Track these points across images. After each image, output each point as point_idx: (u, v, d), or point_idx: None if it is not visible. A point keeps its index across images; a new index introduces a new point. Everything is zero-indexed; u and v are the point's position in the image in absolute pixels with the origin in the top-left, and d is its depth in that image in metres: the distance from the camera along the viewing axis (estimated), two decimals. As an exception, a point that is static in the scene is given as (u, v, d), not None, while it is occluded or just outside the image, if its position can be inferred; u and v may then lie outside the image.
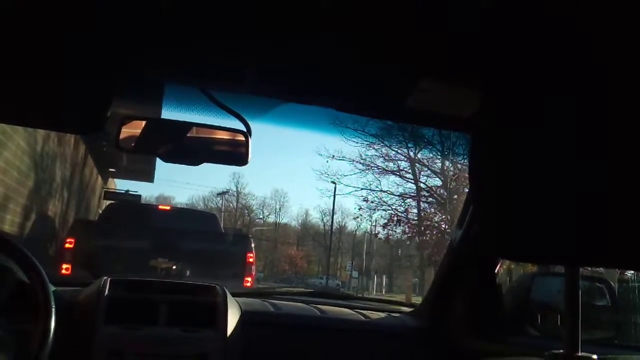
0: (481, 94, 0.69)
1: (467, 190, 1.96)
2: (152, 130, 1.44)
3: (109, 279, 1.70)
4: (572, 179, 0.65)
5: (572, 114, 0.65)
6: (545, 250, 0.68)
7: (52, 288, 1.45)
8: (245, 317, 1.73)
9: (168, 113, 1.58)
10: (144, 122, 1.44)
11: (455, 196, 17.93)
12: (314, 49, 1.06)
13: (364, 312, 2.00)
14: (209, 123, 1.45)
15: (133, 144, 1.46)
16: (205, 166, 1.48)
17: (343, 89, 1.25)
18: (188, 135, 1.44)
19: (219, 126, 1.44)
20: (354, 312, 1.99)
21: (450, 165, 18.57)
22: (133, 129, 1.44)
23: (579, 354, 0.72)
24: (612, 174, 0.64)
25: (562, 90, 0.65)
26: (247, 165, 1.48)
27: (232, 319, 1.67)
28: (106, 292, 1.64)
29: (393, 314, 2.07)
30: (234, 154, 1.45)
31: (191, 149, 1.45)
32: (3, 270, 1.42)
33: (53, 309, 1.38)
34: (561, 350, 0.73)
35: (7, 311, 1.34)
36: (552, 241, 0.67)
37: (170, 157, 1.49)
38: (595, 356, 0.72)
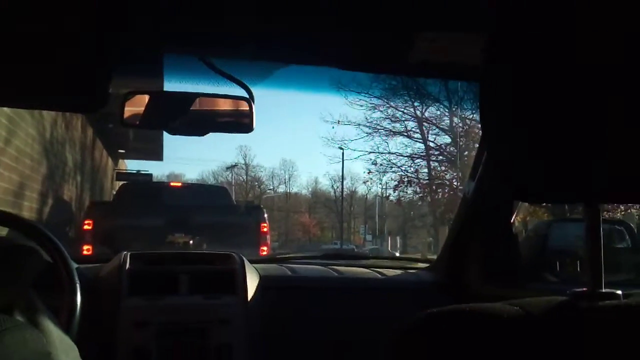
0: (486, 37, 0.67)
1: (477, 146, 1.95)
2: (155, 104, 1.44)
3: (128, 254, 1.74)
4: (586, 114, 0.63)
5: (583, 48, 0.63)
6: (562, 190, 0.67)
7: (75, 266, 1.47)
8: (264, 282, 1.75)
9: (170, 85, 1.57)
10: (147, 97, 1.44)
11: (466, 152, 17.85)
12: (310, 5, 1.04)
13: (381, 270, 2.01)
14: (212, 92, 1.44)
15: (138, 120, 1.45)
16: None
17: (344, 45, 1.22)
18: (192, 106, 1.43)
19: (222, 94, 1.43)
20: (370, 271, 2.00)
21: (459, 121, 18.45)
22: (137, 105, 1.43)
23: (603, 290, 0.72)
24: (628, 107, 0.62)
25: (571, 27, 0.63)
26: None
27: (251, 285, 1.70)
28: (127, 266, 1.67)
29: (409, 271, 2.08)
30: (239, 121, 1.45)
31: (196, 120, 1.44)
32: (28, 251, 1.44)
33: (77, 285, 1.41)
34: (584, 288, 0.72)
35: (36, 290, 1.37)
36: (569, 180, 0.66)
37: (176, 130, 1.49)
38: (619, 291, 0.71)
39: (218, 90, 1.42)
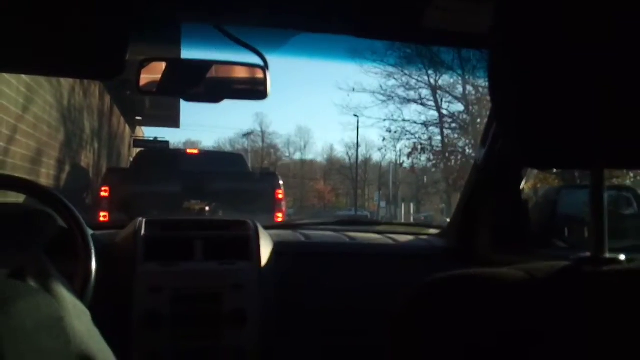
0: (496, 5, 0.68)
1: (489, 113, 1.94)
2: (172, 71, 1.45)
3: (144, 220, 1.76)
4: (593, 80, 0.64)
5: (591, 16, 0.63)
6: (567, 155, 0.68)
7: (91, 232, 1.50)
8: (278, 248, 1.77)
9: (187, 53, 1.59)
10: (163, 64, 1.45)
11: (479, 120, 17.72)
12: None
13: (393, 236, 2.04)
14: (227, 60, 1.46)
15: (155, 87, 1.47)
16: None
17: (358, 12, 1.22)
18: (208, 74, 1.45)
19: (237, 62, 1.45)
20: (382, 237, 2.02)
21: (472, 89, 18.27)
22: (153, 72, 1.45)
23: (606, 255, 0.73)
24: (635, 73, 0.63)
25: None
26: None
27: (265, 250, 1.72)
28: (142, 232, 1.69)
29: (421, 237, 2.10)
30: (254, 88, 1.46)
31: (212, 87, 1.46)
32: (44, 217, 1.47)
33: (93, 251, 1.43)
34: (588, 253, 0.73)
35: (50, 256, 1.40)
36: (574, 145, 0.66)
37: (192, 97, 1.51)
38: (622, 256, 0.72)
39: (234, 58, 1.44)
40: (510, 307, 0.66)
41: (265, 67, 1.41)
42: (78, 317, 0.72)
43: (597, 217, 0.74)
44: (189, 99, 1.47)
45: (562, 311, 0.65)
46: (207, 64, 1.44)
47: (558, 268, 0.71)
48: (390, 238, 2.00)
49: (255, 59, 1.41)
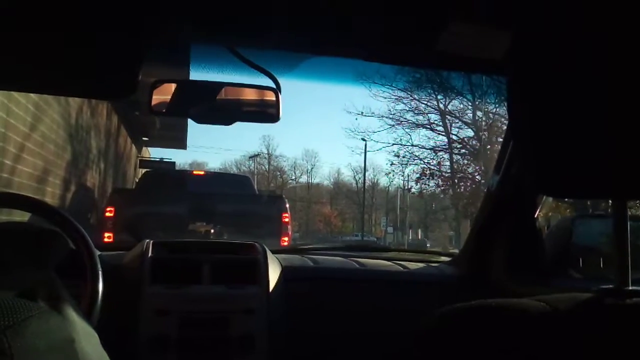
0: (514, 32, 0.67)
1: (500, 140, 1.92)
2: (183, 92, 1.45)
3: (151, 242, 1.74)
4: (614, 109, 0.63)
5: (610, 44, 0.62)
6: (590, 185, 0.67)
7: (98, 253, 1.49)
8: (286, 273, 1.75)
9: (197, 74, 1.59)
10: (174, 85, 1.45)
11: (489, 146, 17.74)
12: None
13: (403, 263, 2.01)
14: (238, 82, 1.45)
15: (165, 108, 1.47)
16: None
17: (371, 37, 1.22)
18: (219, 95, 1.44)
19: (248, 84, 1.44)
20: (392, 264, 2.00)
21: (482, 115, 18.32)
22: (164, 92, 1.44)
23: (630, 287, 0.71)
24: None
25: (599, 22, 0.63)
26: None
27: (274, 275, 1.70)
28: (149, 253, 1.67)
29: (432, 264, 2.07)
30: (265, 110, 1.45)
31: (223, 108, 1.46)
32: (54, 237, 1.46)
33: (100, 273, 1.42)
34: (611, 286, 0.72)
35: (58, 276, 1.39)
36: (597, 175, 0.65)
37: (203, 118, 1.50)
38: None
39: (245, 80, 1.43)
40: (533, 339, 0.65)
41: (277, 90, 1.40)
42: (87, 339, 0.70)
43: (620, 249, 0.73)
44: (199, 120, 1.46)
45: (585, 344, 0.64)
46: (217, 86, 1.44)
47: (580, 300, 0.70)
48: (399, 265, 1.97)
49: (265, 81, 1.40)
